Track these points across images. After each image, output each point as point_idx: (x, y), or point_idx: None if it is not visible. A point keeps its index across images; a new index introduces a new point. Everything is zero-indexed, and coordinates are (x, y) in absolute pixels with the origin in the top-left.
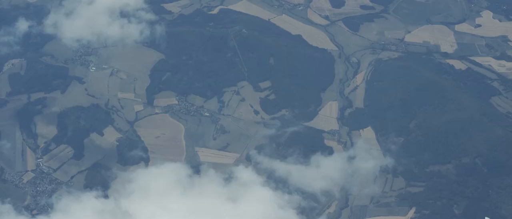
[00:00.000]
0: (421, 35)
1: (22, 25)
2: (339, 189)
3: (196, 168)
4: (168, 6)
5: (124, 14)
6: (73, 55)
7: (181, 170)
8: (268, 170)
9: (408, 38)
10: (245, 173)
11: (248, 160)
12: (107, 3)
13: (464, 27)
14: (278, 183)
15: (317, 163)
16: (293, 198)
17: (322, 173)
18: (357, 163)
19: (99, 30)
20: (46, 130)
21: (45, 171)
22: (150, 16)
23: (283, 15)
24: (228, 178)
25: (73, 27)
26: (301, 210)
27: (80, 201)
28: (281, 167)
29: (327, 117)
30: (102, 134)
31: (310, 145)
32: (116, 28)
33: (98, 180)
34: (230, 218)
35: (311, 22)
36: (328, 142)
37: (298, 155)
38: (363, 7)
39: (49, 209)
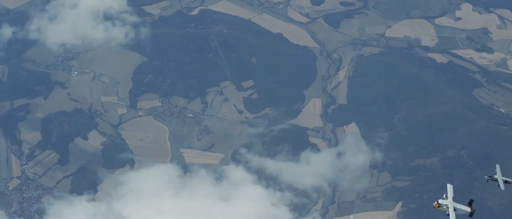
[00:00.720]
0: (401, 29)
1: (5, 32)
2: (328, 185)
3: (186, 169)
4: (148, 8)
5: (107, 17)
6: (54, 60)
7: (172, 171)
8: (259, 168)
9: (389, 33)
10: (235, 172)
11: (233, 160)
12: (90, 7)
13: (444, 21)
14: (269, 180)
15: (307, 159)
16: (285, 195)
17: (312, 169)
18: (344, 159)
19: (83, 33)
20: (30, 136)
21: (30, 177)
22: (132, 19)
23: (264, 14)
24: (219, 178)
25: (57, 31)
26: (293, 207)
27: (72, 205)
28: (271, 165)
29: (311, 114)
30: (86, 138)
31: (295, 143)
32: (99, 31)
33: (84, 184)
34: (223, 217)
35: (291, 20)
36: (313, 139)
37: (287, 152)
38: (342, 3)
39: (36, 215)
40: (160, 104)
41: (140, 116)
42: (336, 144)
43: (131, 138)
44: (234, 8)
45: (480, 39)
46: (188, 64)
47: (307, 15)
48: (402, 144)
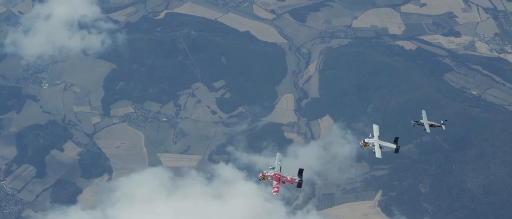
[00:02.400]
0: (368, 19)
1: None
2: (318, 176)
3: (176, 171)
4: (113, 16)
5: (82, 26)
6: (24, 73)
7: (163, 173)
8: (247, 164)
9: (356, 23)
10: (225, 170)
11: (211, 161)
12: (64, 16)
13: (409, 8)
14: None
15: (295, 153)
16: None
17: (300, 162)
18: (324, 151)
19: (59, 43)
20: (6, 151)
21: (9, 192)
22: (107, 26)
23: (229, 13)
24: (210, 177)
25: (33, 43)
26: (287, 201)
27: (67, 215)
28: (260, 161)
29: (284, 109)
30: (62, 150)
31: (272, 139)
32: (76, 40)
33: (64, 196)
34: (218, 216)
35: (257, 18)
36: (288, 134)
37: (273, 147)
38: None
39: None
40: (133, 110)
41: (114, 123)
42: (312, 137)
43: (107, 146)
44: (200, 9)
45: (446, 24)
46: (159, 68)
47: (272, 11)
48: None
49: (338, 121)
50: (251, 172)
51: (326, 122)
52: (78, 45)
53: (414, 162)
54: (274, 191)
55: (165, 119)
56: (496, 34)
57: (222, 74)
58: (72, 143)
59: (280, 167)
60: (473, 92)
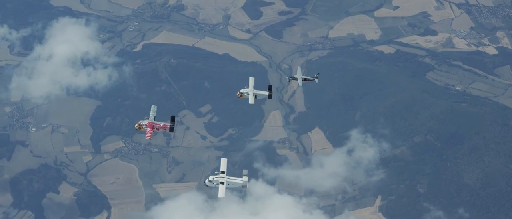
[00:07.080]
0: (343, 28)
1: None
2: (348, 183)
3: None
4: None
5: (85, 63)
6: (10, 120)
7: (196, 197)
8: (275, 178)
9: (332, 34)
10: (257, 187)
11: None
12: (65, 55)
13: (383, 12)
14: (289, 189)
15: (320, 163)
16: (311, 200)
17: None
18: (348, 157)
19: (66, 82)
20: (2, 199)
21: None
22: (103, 62)
23: (206, 37)
24: (243, 196)
25: (38, 85)
26: (324, 211)
27: None
28: (287, 174)
29: (273, 126)
30: (58, 192)
31: (266, 158)
32: (82, 77)
33: None
34: None
35: (234, 39)
36: (281, 151)
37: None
38: (281, 13)
39: None
40: (123, 144)
41: (106, 160)
42: (304, 151)
43: (102, 183)
44: (176, 37)
45: (421, 24)
46: (143, 100)
47: (248, 31)
48: (369, 139)
49: (327, 132)
50: (281, 185)
51: (316, 134)
52: (85, 81)
53: (409, 164)
54: (148, 136)
55: (157, 150)
56: (472, 28)
57: (207, 99)
58: (67, 184)
59: (154, 116)
60: (457, 88)
